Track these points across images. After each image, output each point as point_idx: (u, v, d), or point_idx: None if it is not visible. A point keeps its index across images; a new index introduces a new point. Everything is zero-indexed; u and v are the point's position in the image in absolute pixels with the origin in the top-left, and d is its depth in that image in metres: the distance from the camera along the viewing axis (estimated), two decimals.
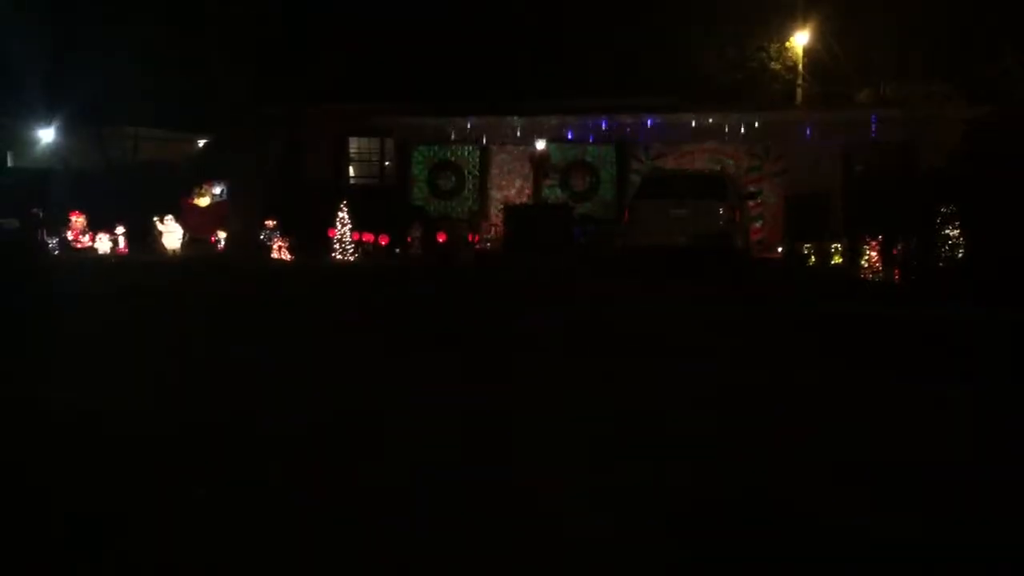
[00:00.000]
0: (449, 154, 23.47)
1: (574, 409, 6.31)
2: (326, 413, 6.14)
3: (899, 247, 16.28)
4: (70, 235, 20.90)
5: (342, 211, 19.56)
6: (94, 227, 21.01)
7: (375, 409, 6.25)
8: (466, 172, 23.40)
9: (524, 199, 22.66)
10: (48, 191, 22.47)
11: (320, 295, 13.81)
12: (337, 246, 19.46)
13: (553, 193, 22.58)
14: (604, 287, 14.14)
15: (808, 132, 21.24)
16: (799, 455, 5.27)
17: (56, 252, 20.06)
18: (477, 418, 6.02)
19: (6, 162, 28.26)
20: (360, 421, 5.95)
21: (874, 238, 16.54)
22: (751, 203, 19.87)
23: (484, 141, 23.18)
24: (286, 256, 19.61)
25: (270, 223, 20.87)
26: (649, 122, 21.97)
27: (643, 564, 3.73)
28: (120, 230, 20.79)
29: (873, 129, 20.93)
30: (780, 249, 20.50)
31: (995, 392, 7.04)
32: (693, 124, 21.61)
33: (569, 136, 22.41)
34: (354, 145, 25.53)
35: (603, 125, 22.17)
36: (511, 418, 6.05)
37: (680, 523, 4.12)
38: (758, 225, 21.09)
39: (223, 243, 21.06)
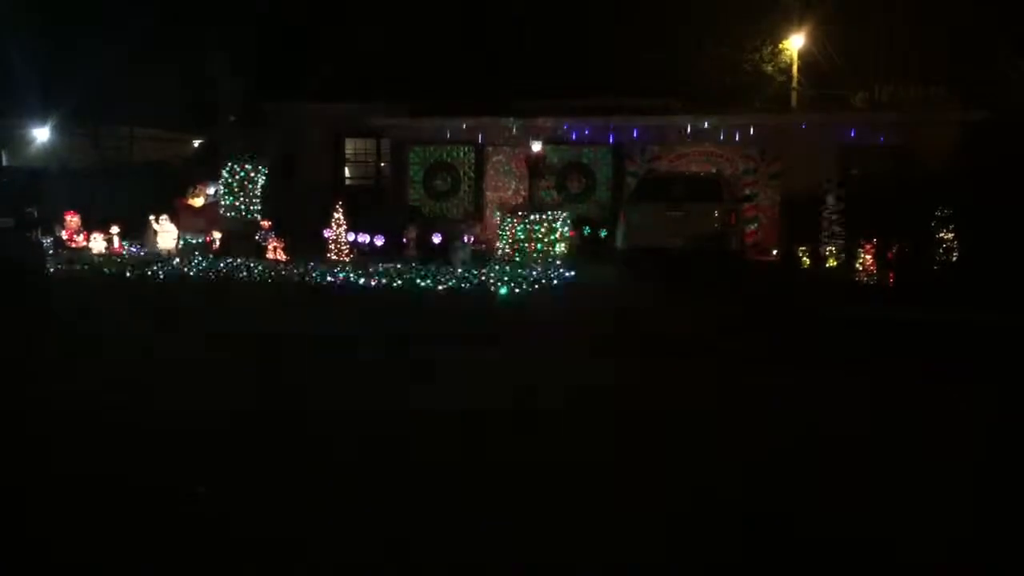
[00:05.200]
0: (445, 155, 23.44)
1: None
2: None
3: (894, 250, 16.30)
4: (65, 234, 20.85)
5: (337, 212, 19.54)
6: (89, 227, 20.95)
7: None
8: (462, 173, 23.38)
9: (520, 201, 22.63)
10: (43, 190, 22.41)
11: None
12: (332, 247, 19.43)
13: (549, 195, 22.56)
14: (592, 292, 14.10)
15: (804, 135, 21.25)
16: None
17: (51, 252, 19.98)
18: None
19: (1, 161, 28.18)
20: None
21: (869, 241, 16.54)
22: (746, 205, 19.88)
23: (480, 142, 23.18)
24: (281, 256, 19.57)
25: (265, 224, 20.83)
26: (645, 124, 21.97)
27: None
28: (115, 230, 20.74)
29: (869, 132, 20.96)
30: (775, 252, 20.51)
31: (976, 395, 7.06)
32: (689, 127, 21.63)
33: (565, 135, 22.40)
34: (350, 146, 25.54)
35: (599, 127, 22.18)
36: None
37: None
38: (753, 228, 21.09)
39: (218, 243, 21.01)
